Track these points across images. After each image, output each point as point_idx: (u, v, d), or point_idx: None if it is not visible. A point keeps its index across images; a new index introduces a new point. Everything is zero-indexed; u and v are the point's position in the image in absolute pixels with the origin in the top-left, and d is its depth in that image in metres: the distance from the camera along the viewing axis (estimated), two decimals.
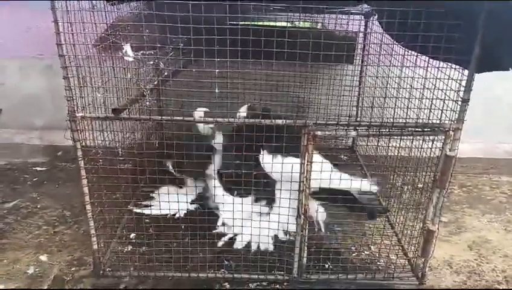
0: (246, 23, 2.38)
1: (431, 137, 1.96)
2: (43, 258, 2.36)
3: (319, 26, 3.24)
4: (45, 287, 2.15)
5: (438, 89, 1.97)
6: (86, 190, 1.99)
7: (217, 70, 1.86)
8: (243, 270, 2.20)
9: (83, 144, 1.93)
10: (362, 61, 3.36)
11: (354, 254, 2.45)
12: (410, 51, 2.10)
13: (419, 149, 2.11)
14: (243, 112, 2.52)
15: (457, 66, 1.87)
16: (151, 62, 2.24)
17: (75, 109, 1.85)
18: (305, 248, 2.09)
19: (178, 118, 1.91)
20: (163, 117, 1.95)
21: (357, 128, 2.03)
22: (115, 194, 2.25)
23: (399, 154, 2.37)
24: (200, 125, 2.64)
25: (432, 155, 2.00)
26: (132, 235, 2.45)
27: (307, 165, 1.91)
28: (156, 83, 2.31)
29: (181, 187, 2.74)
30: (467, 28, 1.67)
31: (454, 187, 3.36)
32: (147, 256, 2.26)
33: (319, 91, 3.31)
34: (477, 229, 2.82)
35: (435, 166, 1.97)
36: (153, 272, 2.16)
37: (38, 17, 2.68)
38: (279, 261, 2.17)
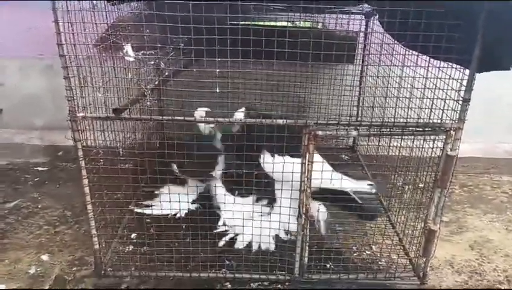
0: (246, 23, 2.38)
1: (432, 137, 1.96)
2: (45, 258, 2.36)
3: (320, 26, 3.24)
4: (47, 287, 2.16)
5: (439, 88, 1.97)
6: (87, 189, 1.99)
7: (217, 70, 1.86)
8: (244, 270, 2.19)
9: (84, 144, 1.93)
10: (363, 61, 3.35)
11: (355, 254, 2.45)
12: (411, 51, 2.10)
13: (420, 149, 2.10)
14: (239, 113, 2.50)
15: (458, 66, 1.87)
16: (152, 62, 2.24)
17: (76, 109, 1.85)
18: (307, 247, 2.09)
19: (179, 118, 1.91)
20: (164, 117, 1.95)
21: (358, 128, 2.02)
22: (116, 194, 2.25)
23: (400, 154, 2.37)
24: (201, 126, 2.64)
25: (433, 155, 2.00)
26: (133, 235, 2.45)
27: (308, 164, 1.91)
28: (156, 83, 2.31)
29: (183, 186, 2.74)
30: (468, 28, 1.67)
31: (455, 187, 3.36)
32: (148, 256, 2.26)
33: (319, 91, 3.32)
34: (478, 228, 2.81)
35: (436, 166, 1.97)
36: (154, 272, 2.16)
37: (38, 17, 2.68)
38: (280, 261, 2.17)
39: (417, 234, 2.16)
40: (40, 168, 3.45)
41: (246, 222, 2.32)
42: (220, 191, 2.57)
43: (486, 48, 1.68)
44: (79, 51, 1.81)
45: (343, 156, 3.65)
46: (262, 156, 2.32)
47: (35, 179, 3.28)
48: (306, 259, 2.11)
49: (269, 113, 2.25)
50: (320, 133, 1.88)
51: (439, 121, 1.92)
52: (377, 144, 2.93)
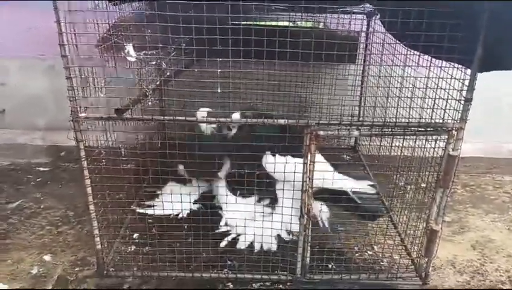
0: (248, 23, 2.38)
1: (434, 137, 1.96)
2: (47, 258, 2.37)
3: (321, 25, 3.24)
4: (49, 287, 2.16)
5: (441, 88, 1.96)
6: (89, 190, 1.99)
7: (219, 70, 1.86)
8: (246, 270, 2.20)
9: (86, 144, 1.93)
10: (364, 61, 3.35)
11: (357, 254, 2.45)
12: (412, 51, 2.10)
13: (422, 149, 2.10)
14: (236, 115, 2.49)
15: (460, 66, 1.87)
16: (154, 62, 2.25)
17: (78, 110, 1.86)
18: (308, 247, 2.09)
19: (180, 118, 1.91)
20: (165, 117, 1.95)
21: (360, 128, 2.02)
22: (118, 194, 2.25)
23: (402, 154, 2.36)
24: (203, 126, 2.64)
25: (434, 155, 2.00)
26: (135, 235, 2.46)
27: (309, 165, 1.91)
28: (158, 83, 2.32)
29: (185, 185, 2.74)
30: (469, 28, 1.67)
31: (457, 187, 3.35)
32: (150, 256, 2.26)
33: (321, 91, 3.31)
34: (480, 228, 2.81)
35: (438, 166, 1.97)
36: (157, 272, 2.16)
37: (38, 17, 2.69)
38: (282, 261, 2.16)
39: (419, 234, 2.15)
40: (42, 169, 3.46)
41: (248, 222, 2.32)
42: (222, 191, 2.57)
43: (488, 48, 1.67)
44: (81, 51, 1.81)
45: (345, 156, 3.65)
46: (264, 156, 2.32)
47: (38, 180, 3.29)
48: (308, 259, 2.11)
49: (270, 113, 2.25)
50: (321, 133, 1.88)
51: (441, 121, 1.91)
52: (379, 144, 2.93)
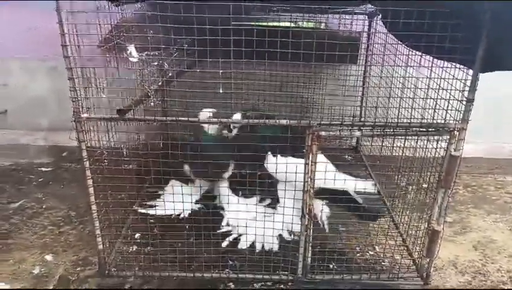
0: (249, 23, 2.38)
1: (436, 137, 1.96)
2: (49, 258, 2.37)
3: (323, 26, 3.24)
4: (51, 287, 2.17)
5: (443, 88, 1.96)
6: (91, 190, 1.99)
7: (220, 71, 1.86)
8: (248, 270, 2.20)
9: (88, 144, 1.94)
10: (366, 62, 3.35)
11: (358, 254, 2.45)
12: (414, 51, 2.10)
13: (424, 149, 2.10)
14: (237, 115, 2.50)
15: (461, 66, 1.87)
16: (156, 63, 2.25)
17: (80, 110, 1.86)
18: (310, 248, 2.09)
19: (183, 118, 1.91)
20: (168, 118, 1.95)
21: (362, 128, 2.02)
22: (120, 195, 2.25)
23: (403, 154, 2.36)
24: (206, 127, 2.64)
25: (436, 155, 2.00)
26: (137, 235, 2.46)
27: (311, 165, 1.91)
28: (160, 83, 2.32)
29: (186, 184, 2.74)
30: (471, 28, 1.67)
31: (459, 187, 3.35)
32: (151, 256, 2.27)
33: (323, 91, 3.31)
34: (482, 229, 2.81)
35: (439, 166, 1.97)
36: (158, 272, 2.17)
37: (38, 17, 2.70)
38: (283, 261, 2.17)
39: (421, 234, 2.15)
40: (44, 169, 3.47)
41: (249, 222, 2.32)
42: (224, 191, 2.57)
43: (489, 48, 1.67)
44: (83, 52, 1.81)
45: (347, 156, 3.65)
46: (266, 157, 2.32)
47: (40, 180, 3.29)
48: (309, 259, 2.12)
49: (272, 114, 2.25)
50: (323, 133, 1.89)
51: (442, 122, 1.91)
52: (381, 144, 2.93)
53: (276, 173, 2.25)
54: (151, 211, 2.65)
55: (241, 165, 2.26)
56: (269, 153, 2.34)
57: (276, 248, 2.37)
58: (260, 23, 2.89)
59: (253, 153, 2.07)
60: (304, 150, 1.93)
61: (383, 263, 2.36)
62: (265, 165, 2.33)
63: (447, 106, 1.91)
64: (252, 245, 2.39)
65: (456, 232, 2.75)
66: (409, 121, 1.94)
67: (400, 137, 2.10)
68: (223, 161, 2.42)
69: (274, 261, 2.19)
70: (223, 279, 2.20)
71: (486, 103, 3.02)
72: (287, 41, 1.82)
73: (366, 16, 3.16)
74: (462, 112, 1.85)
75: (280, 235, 2.44)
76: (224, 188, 2.58)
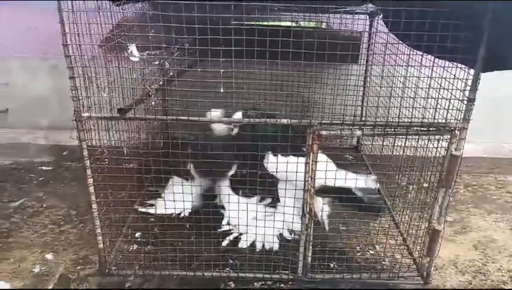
0: (250, 23, 2.38)
1: (436, 136, 1.96)
2: (49, 257, 2.37)
3: (324, 26, 3.24)
4: (51, 286, 2.17)
5: (444, 88, 1.96)
6: (91, 189, 2.00)
7: (222, 71, 1.86)
8: (248, 269, 2.20)
9: (89, 143, 1.94)
10: (367, 61, 3.35)
11: (358, 254, 2.45)
12: (415, 51, 2.10)
13: (425, 148, 2.10)
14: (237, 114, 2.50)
15: (463, 66, 1.87)
16: (157, 62, 2.25)
17: (81, 109, 1.86)
18: (310, 247, 2.09)
19: (183, 117, 1.91)
20: (168, 117, 1.96)
21: (362, 127, 2.02)
22: (121, 194, 2.26)
23: (404, 153, 2.36)
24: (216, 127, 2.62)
25: (437, 155, 2.00)
26: (137, 234, 2.46)
27: (312, 164, 1.91)
28: (161, 83, 2.32)
29: (187, 180, 2.74)
30: (472, 28, 1.67)
31: (459, 187, 3.35)
32: (152, 255, 2.27)
33: (324, 91, 3.32)
34: (482, 228, 2.81)
35: (440, 165, 1.97)
36: (158, 271, 2.17)
37: (38, 17, 2.69)
38: (284, 261, 2.17)
39: (421, 233, 2.16)
40: (45, 168, 3.47)
41: (250, 221, 2.32)
42: (224, 190, 2.57)
43: (491, 48, 1.67)
44: (84, 51, 1.82)
45: (347, 155, 3.65)
46: (266, 156, 2.32)
47: (40, 179, 3.30)
48: (309, 258, 2.12)
49: (273, 113, 2.25)
50: (324, 132, 1.89)
51: (443, 121, 1.91)
52: (381, 143, 2.93)
53: (276, 172, 2.26)
54: (152, 210, 2.65)
55: (243, 165, 2.25)
56: (269, 152, 2.34)
57: (276, 247, 2.37)
58: (261, 23, 2.89)
59: (254, 152, 2.07)
60: (305, 149, 1.93)
61: (383, 262, 2.36)
62: (264, 164, 2.33)
63: (448, 106, 1.91)
64: (253, 244, 2.39)
65: (456, 232, 2.75)
66: (410, 121, 1.94)
67: (400, 136, 2.10)
68: (227, 161, 2.42)
69: (274, 260, 2.19)
70: (223, 278, 2.20)
71: (487, 103, 3.03)
72: (288, 40, 1.82)
73: (367, 16, 3.16)
74: (463, 111, 1.85)
75: (280, 234, 2.44)
76: (225, 187, 2.58)
